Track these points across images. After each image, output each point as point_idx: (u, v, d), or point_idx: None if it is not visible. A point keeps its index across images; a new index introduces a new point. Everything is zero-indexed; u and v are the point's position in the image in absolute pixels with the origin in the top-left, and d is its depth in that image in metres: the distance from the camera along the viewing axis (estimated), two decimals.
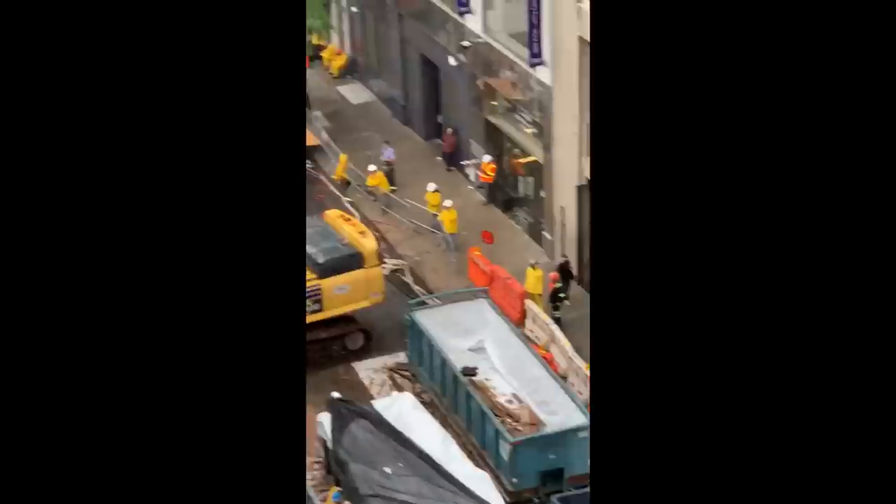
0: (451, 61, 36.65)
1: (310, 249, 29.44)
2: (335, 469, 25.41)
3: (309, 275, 29.15)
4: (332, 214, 31.50)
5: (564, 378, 27.04)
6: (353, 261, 29.54)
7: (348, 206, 36.38)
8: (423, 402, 27.12)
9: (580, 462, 23.80)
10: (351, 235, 30.06)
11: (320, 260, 29.24)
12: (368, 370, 30.08)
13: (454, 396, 26.71)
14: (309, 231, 30.02)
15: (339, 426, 25.38)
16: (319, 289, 29.24)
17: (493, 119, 35.96)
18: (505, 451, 24.50)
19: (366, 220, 34.83)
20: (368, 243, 29.97)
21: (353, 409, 25.79)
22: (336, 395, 26.67)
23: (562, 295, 30.41)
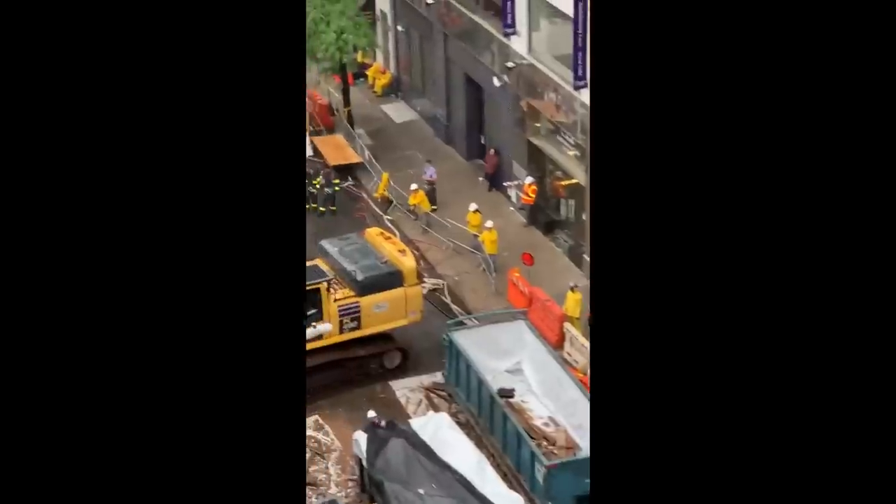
0: (496, 82, 36.70)
1: (349, 267, 29.50)
2: (370, 488, 25.41)
3: (348, 292, 29.24)
4: (372, 232, 31.54)
5: None
6: (392, 279, 29.52)
7: (389, 224, 36.46)
8: (459, 423, 27.09)
9: None
10: (391, 253, 30.05)
11: (359, 278, 29.24)
12: (405, 389, 30.06)
13: (490, 418, 26.63)
14: (349, 248, 30.17)
15: (374, 445, 25.34)
16: (358, 306, 29.25)
17: (535, 141, 35.93)
18: (540, 474, 24.36)
19: (406, 239, 34.86)
20: (408, 262, 29.95)
21: (389, 428, 25.73)
22: (372, 413, 26.66)
23: None
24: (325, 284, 29.08)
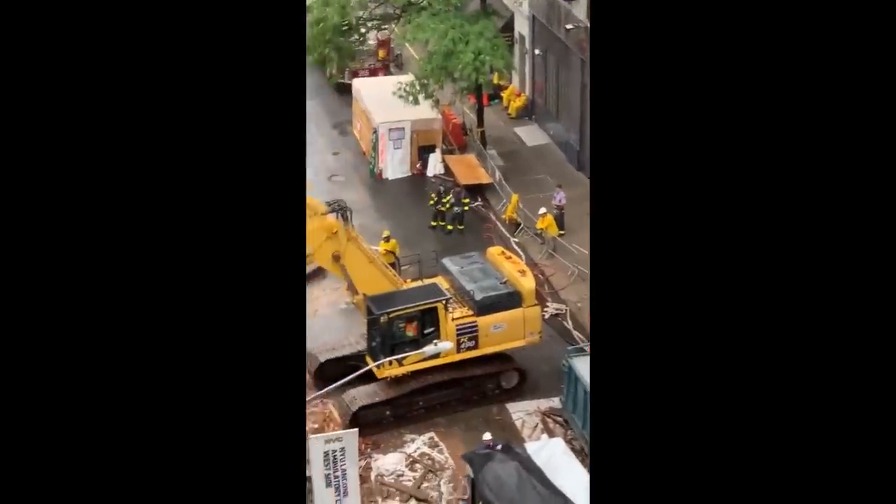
0: None
1: (468, 286, 29.63)
2: None
3: (466, 311, 29.37)
4: (493, 251, 31.61)
5: None
6: (510, 299, 29.52)
7: (516, 246, 36.46)
8: (574, 450, 26.94)
9: None
10: (510, 274, 30.08)
11: (477, 297, 29.35)
12: (521, 412, 30.04)
13: None
14: (469, 267, 30.33)
15: (485, 467, 25.31)
16: (476, 326, 29.29)
17: None
18: None
19: (532, 263, 34.80)
20: (527, 282, 29.90)
21: (504, 451, 25.67)
22: (488, 436, 26.74)
23: None
24: (443, 303, 29.35)
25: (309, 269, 35.89)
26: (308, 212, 29.03)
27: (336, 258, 29.75)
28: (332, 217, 29.58)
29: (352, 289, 30.64)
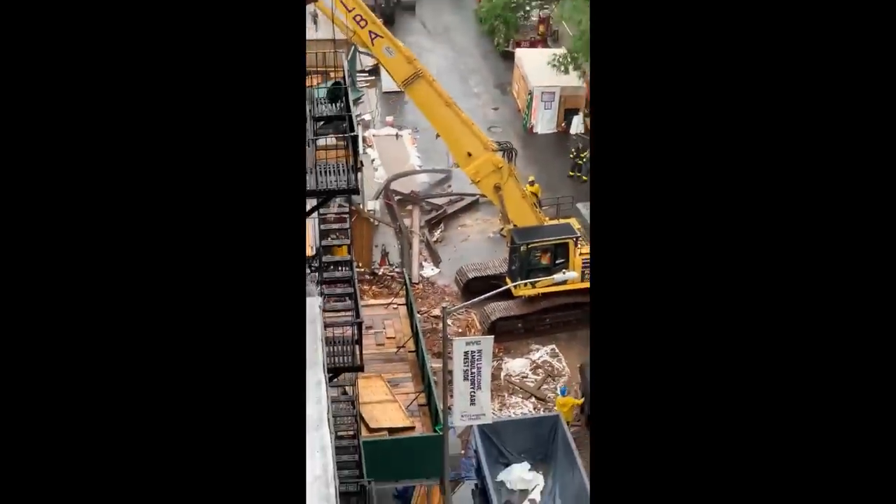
0: None
1: None
2: (590, 417, 28.57)
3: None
4: None
5: None
6: None
7: None
8: None
9: None
10: None
11: None
12: None
13: None
14: None
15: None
16: None
17: None
18: None
19: None
20: None
21: None
22: None
23: None
24: (574, 240, 32.94)
25: (464, 203, 40.11)
26: (481, 145, 32.64)
27: (497, 188, 33.09)
28: (499, 154, 32.97)
29: (504, 218, 33.93)
